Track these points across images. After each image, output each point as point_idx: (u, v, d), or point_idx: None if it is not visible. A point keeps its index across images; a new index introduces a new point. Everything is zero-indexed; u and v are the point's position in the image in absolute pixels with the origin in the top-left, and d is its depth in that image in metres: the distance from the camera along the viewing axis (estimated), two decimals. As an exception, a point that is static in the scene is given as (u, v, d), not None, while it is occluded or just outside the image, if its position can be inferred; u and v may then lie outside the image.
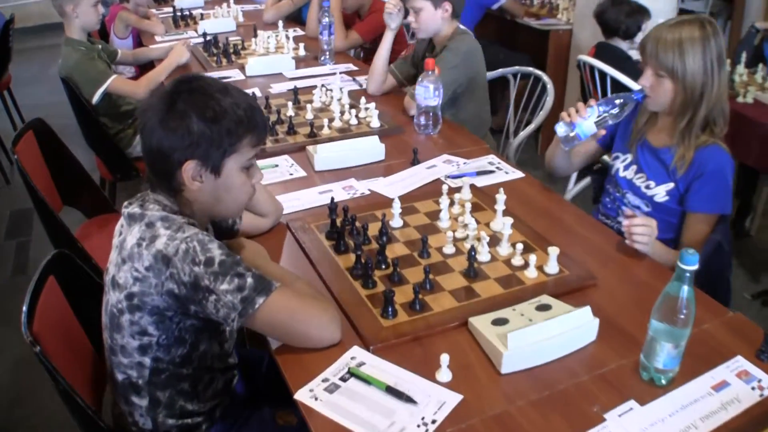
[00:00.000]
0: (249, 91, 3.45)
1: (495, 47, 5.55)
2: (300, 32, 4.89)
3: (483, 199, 2.45)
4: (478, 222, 2.23)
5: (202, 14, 5.37)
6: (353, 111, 3.14)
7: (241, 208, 1.93)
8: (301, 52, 4.28)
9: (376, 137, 2.79)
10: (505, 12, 5.86)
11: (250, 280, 1.64)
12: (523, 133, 3.53)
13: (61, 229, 2.76)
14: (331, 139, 2.91)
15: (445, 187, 2.39)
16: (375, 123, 3.08)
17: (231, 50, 4.25)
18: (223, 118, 1.66)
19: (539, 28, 5.65)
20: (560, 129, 2.40)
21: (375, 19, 4.51)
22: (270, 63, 3.97)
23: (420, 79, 2.97)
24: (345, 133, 3.02)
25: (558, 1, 6.19)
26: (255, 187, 1.86)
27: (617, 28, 4.24)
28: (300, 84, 3.67)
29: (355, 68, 4.07)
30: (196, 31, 4.97)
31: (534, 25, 5.69)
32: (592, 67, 4.15)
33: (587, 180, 3.08)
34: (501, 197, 2.25)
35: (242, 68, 3.99)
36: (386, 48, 3.52)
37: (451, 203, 2.37)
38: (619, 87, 3.96)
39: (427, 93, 2.96)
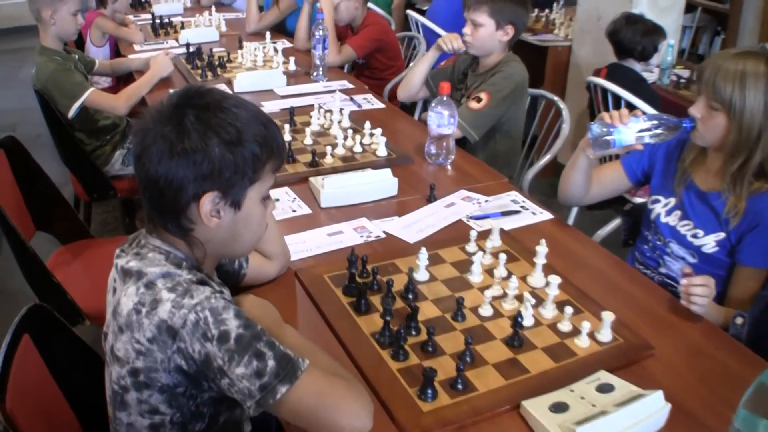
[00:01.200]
0: None
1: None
2: (288, 44, 4.61)
3: (514, 247, 2.20)
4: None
5: (182, 23, 5.07)
6: (357, 137, 2.86)
7: (255, 245, 1.67)
8: (292, 66, 4.00)
9: (389, 171, 2.51)
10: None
11: (271, 362, 1.35)
12: (539, 164, 3.26)
13: (33, 261, 2.50)
14: (335, 170, 2.64)
15: (473, 233, 2.15)
16: (382, 151, 2.81)
17: (216, 63, 3.96)
18: (246, 140, 1.40)
19: (537, 44, 5.41)
20: (596, 128, 2.13)
21: (369, 32, 4.26)
22: (260, 79, 3.68)
23: (433, 104, 2.71)
24: (350, 162, 2.75)
25: (554, 15, 5.98)
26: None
27: (632, 49, 4.01)
28: (293, 102, 3.40)
29: (351, 86, 3.79)
30: (176, 40, 4.68)
31: (531, 41, 5.46)
32: (603, 90, 3.92)
33: (616, 222, 2.82)
34: (542, 250, 1.98)
35: (229, 83, 3.71)
36: (429, 62, 3.39)
37: (481, 251, 2.10)
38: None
39: (441, 120, 2.70)
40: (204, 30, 4.77)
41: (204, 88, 1.45)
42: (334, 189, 2.40)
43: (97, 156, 3.71)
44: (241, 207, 1.46)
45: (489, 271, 2.05)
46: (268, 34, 4.45)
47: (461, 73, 3.38)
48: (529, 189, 3.22)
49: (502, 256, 2.01)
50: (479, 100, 3.03)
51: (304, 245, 2.18)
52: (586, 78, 4.97)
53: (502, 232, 2.24)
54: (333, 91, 3.59)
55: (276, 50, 4.15)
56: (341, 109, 3.09)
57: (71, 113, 3.42)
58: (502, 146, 3.24)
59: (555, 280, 1.86)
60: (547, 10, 6.12)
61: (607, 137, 2.13)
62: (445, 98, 2.68)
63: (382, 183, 2.49)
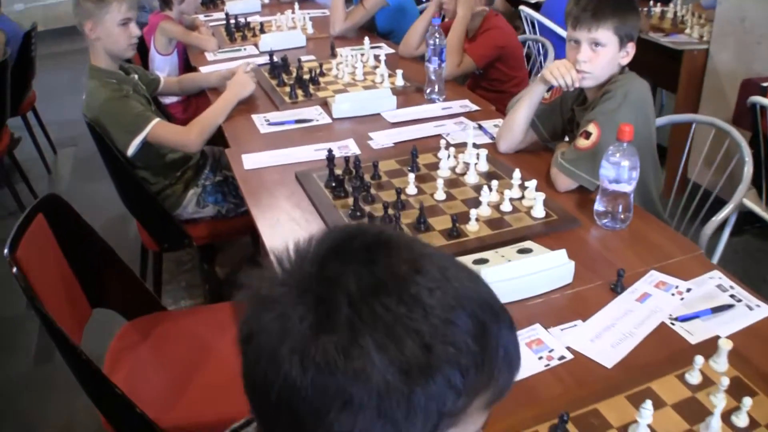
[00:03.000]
0: (342, 145, 2.68)
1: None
2: (389, 50, 4.03)
3: (744, 370, 1.59)
4: None
5: (261, 24, 4.52)
6: (507, 191, 2.26)
7: None
8: (399, 81, 3.41)
9: (563, 253, 1.91)
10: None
11: None
12: (718, 218, 2.59)
13: (88, 368, 1.95)
14: (483, 245, 2.05)
15: (698, 360, 1.55)
16: (539, 211, 2.22)
17: (307, 77, 3.40)
18: (441, 361, 0.76)
19: (670, 47, 4.74)
20: None
21: (491, 38, 3.66)
22: (364, 101, 3.10)
23: (610, 150, 2.10)
24: (499, 228, 2.15)
25: (680, 11, 5.31)
26: None
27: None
28: (408, 132, 2.84)
29: (474, 107, 3.19)
30: (256, 46, 4.14)
31: (664, 43, 4.79)
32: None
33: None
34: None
35: (324, 105, 3.15)
36: (534, 100, 2.61)
37: (707, 382, 1.53)
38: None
39: (620, 173, 2.10)
40: (288, 34, 4.22)
41: (381, 236, 0.83)
42: (493, 277, 1.81)
43: (166, 197, 3.18)
44: None
45: (725, 418, 1.45)
46: (366, 40, 3.85)
47: (569, 109, 2.68)
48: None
49: (747, 401, 1.42)
50: (587, 135, 2.36)
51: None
52: (725, 87, 4.42)
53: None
54: (457, 117, 3.02)
55: (378, 59, 3.57)
56: (477, 150, 2.49)
57: (131, 151, 2.90)
58: (643, 181, 2.40)
59: None
60: (671, 4, 5.47)
61: None
62: (625, 145, 2.08)
63: (557, 271, 1.89)
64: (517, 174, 2.31)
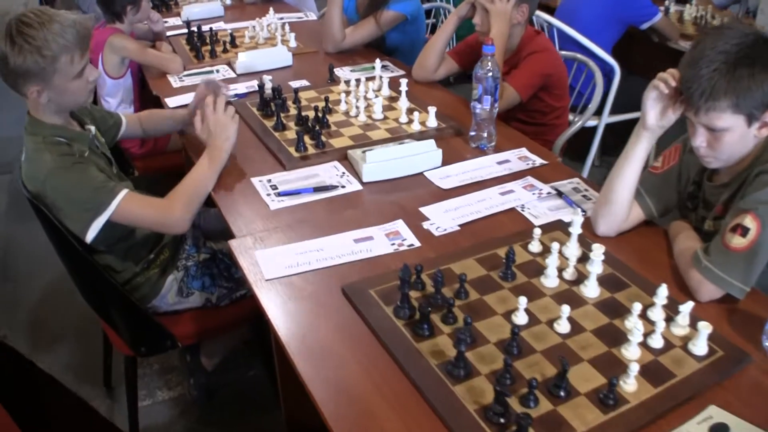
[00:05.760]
0: (390, 231, 2.10)
1: (636, 80, 4.11)
2: (398, 71, 3.38)
3: None
4: None
5: (231, 35, 3.79)
6: (654, 316, 1.68)
7: None
8: (431, 121, 2.75)
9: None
10: (655, 33, 4.64)
11: None
12: None
13: None
14: (652, 415, 1.45)
15: None
16: (701, 348, 1.62)
17: (311, 117, 2.73)
18: None
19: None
20: None
21: (537, 65, 3.02)
22: (403, 161, 2.41)
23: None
24: (662, 383, 1.53)
25: (699, 12, 5.01)
26: None
27: None
28: (470, 205, 2.24)
29: (537, 159, 2.56)
30: (230, 65, 3.44)
31: (686, 49, 4.32)
32: None
33: None
34: None
35: (344, 159, 2.52)
36: (640, 159, 2.06)
37: None
38: None
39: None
40: (271, 52, 3.50)
41: None
42: None
43: (137, 286, 2.45)
44: None
45: None
46: (378, 62, 3.20)
47: (691, 182, 2.15)
48: None
49: None
50: (744, 231, 1.82)
51: None
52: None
53: None
54: (522, 176, 2.43)
55: (398, 90, 2.91)
56: (591, 251, 1.84)
57: (90, 235, 2.15)
58: None
59: None
60: (687, 5, 5.15)
61: None
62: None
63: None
64: (663, 291, 1.69)
